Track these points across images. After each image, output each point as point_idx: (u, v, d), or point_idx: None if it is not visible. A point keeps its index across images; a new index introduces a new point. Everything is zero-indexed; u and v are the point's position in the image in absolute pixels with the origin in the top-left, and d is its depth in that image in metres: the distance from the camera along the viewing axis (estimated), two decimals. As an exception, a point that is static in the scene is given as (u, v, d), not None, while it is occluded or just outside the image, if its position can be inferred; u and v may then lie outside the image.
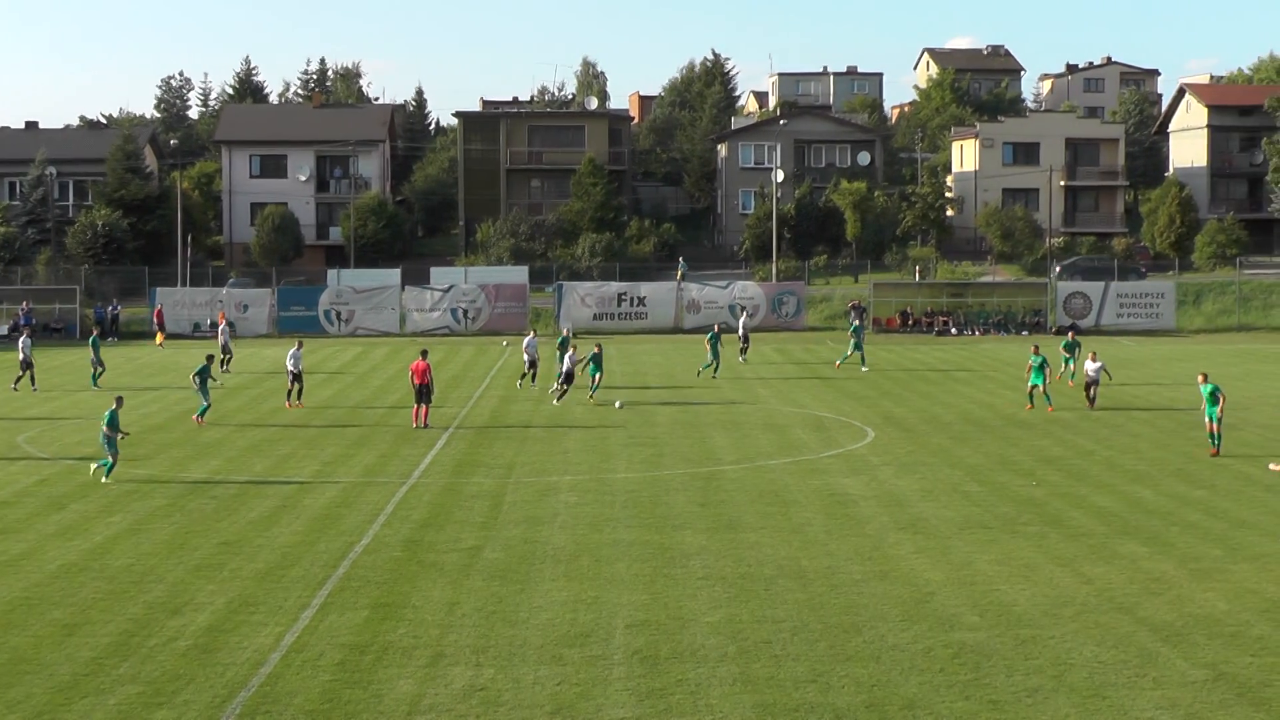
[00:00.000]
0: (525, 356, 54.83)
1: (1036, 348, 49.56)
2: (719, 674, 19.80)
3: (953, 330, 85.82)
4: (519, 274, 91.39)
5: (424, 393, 44.48)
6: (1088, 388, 48.39)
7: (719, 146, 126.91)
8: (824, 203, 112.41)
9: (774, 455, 39.03)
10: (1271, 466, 35.90)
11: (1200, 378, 39.82)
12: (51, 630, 22.08)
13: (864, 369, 61.04)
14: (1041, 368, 47.70)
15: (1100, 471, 36.34)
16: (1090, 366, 48.36)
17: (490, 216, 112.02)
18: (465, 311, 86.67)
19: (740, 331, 66.76)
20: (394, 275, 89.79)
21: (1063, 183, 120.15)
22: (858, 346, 62.13)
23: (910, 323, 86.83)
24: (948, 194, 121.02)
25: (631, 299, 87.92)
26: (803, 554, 26.85)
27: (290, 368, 49.40)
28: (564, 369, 49.69)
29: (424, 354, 46.40)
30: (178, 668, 20.22)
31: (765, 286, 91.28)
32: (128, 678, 19.80)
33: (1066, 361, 55.23)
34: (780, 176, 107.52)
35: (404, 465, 37.48)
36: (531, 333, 59.85)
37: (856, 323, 68.23)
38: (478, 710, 18.50)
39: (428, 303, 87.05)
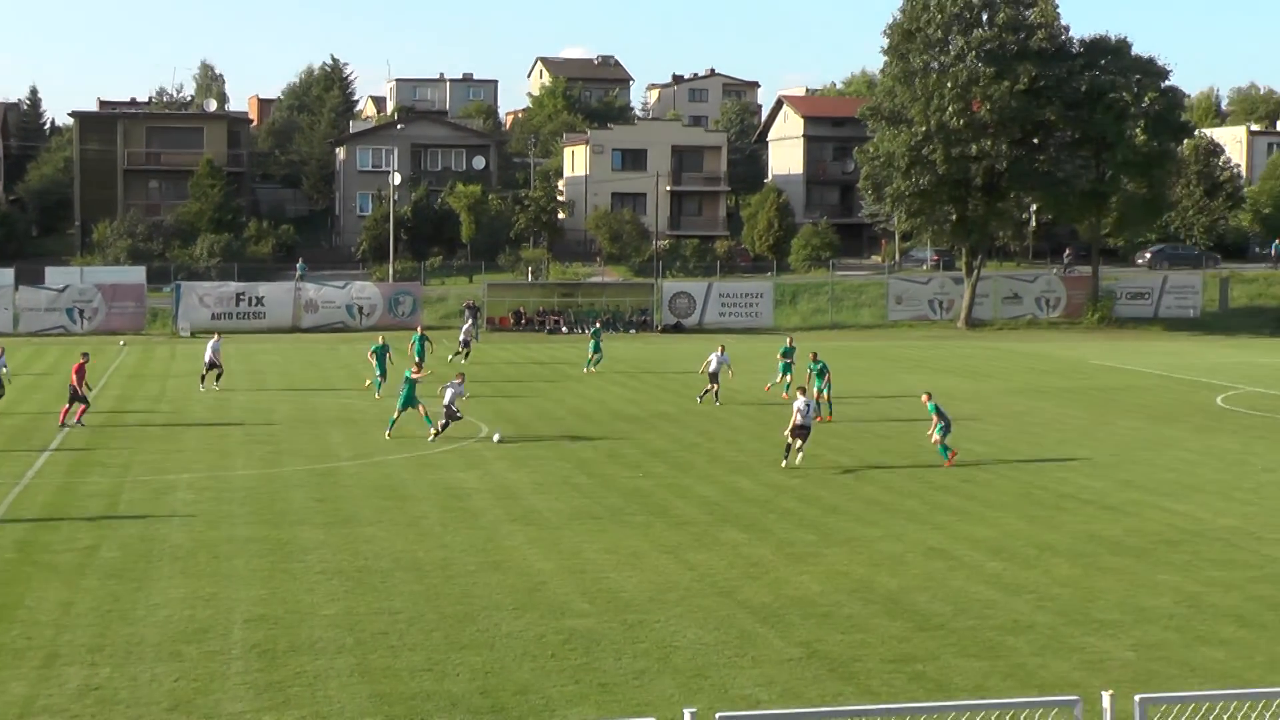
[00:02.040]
0: (206, 358, 53.44)
1: (815, 354, 48.30)
2: (336, 665, 19.83)
3: (564, 329, 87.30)
4: (136, 274, 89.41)
5: (72, 393, 43.73)
6: (712, 378, 49.90)
7: (337, 150, 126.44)
8: (440, 205, 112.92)
9: (391, 451, 39.28)
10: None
11: (924, 397, 39.21)
12: None
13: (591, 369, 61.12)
14: (821, 374, 46.64)
15: (703, 463, 37.67)
16: (714, 358, 49.93)
17: (107, 217, 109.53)
18: (81, 311, 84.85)
19: (462, 336, 66.17)
20: (7, 275, 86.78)
21: (669, 188, 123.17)
22: (596, 349, 61.80)
23: (523, 321, 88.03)
24: (559, 198, 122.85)
25: (250, 299, 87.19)
26: (419, 546, 27.19)
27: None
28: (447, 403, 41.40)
29: (84, 356, 45.57)
30: None
31: (382, 287, 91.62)
32: None
33: (785, 370, 52.26)
34: (397, 180, 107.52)
35: (16, 466, 36.40)
36: (216, 335, 57.67)
37: (597, 325, 68.97)
38: (93, 710, 18.12)
39: (42, 302, 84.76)
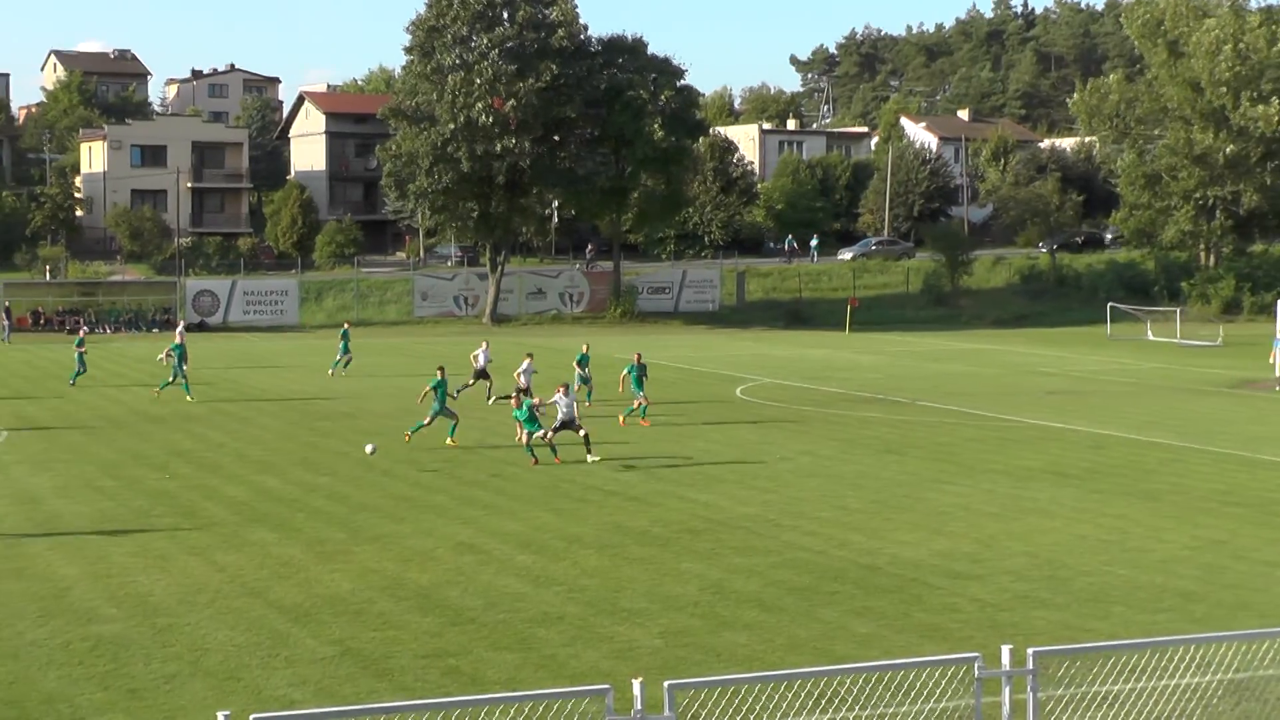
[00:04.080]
0: None
1: (639, 355, 46.46)
2: None
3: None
4: None
5: None
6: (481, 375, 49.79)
7: None
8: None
9: (-105, 461, 37.47)
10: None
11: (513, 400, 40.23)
12: None
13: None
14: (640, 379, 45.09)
15: (230, 463, 37.20)
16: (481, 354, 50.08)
17: None
18: None
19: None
20: None
21: (190, 184, 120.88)
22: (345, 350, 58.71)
23: (42, 322, 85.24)
24: (77, 195, 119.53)
25: None
26: (-71, 559, 26.04)
27: None
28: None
29: None
30: None
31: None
32: None
33: (584, 380, 49.35)
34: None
35: None
36: None
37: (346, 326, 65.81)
38: None
39: None
